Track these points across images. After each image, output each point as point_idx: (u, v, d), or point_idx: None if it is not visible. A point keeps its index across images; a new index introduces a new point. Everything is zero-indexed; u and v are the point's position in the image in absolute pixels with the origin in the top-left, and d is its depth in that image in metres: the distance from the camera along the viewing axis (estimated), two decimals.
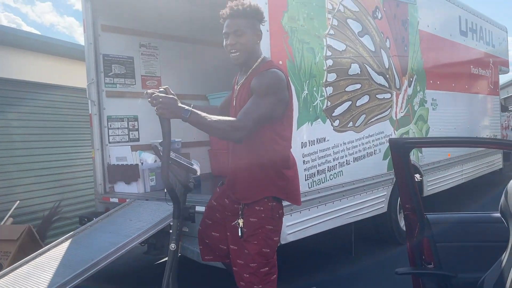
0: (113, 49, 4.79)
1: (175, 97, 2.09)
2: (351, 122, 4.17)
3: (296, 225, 3.47)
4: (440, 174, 5.82)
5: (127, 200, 4.18)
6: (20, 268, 3.26)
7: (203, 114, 2.07)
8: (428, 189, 5.47)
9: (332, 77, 3.92)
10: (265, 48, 3.15)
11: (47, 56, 5.86)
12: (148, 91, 2.12)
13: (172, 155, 2.21)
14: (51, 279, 2.87)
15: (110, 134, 4.69)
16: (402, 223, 5.09)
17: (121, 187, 4.52)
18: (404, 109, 5.10)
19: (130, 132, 4.91)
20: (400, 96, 5.03)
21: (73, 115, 6.12)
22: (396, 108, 4.94)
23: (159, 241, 3.70)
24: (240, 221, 2.26)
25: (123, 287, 4.47)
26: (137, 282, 4.60)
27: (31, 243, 3.94)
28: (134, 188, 4.41)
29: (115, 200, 4.33)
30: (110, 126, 4.71)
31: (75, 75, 5.90)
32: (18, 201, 4.70)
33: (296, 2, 3.59)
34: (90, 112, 4.60)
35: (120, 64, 4.88)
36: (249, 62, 2.34)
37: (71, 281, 2.77)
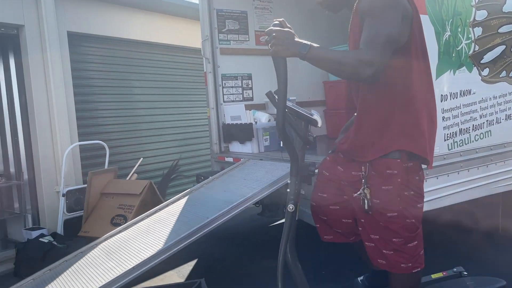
0: (226, 4, 4.60)
1: (292, 31, 1.76)
2: (505, 71, 3.38)
3: (432, 193, 2.94)
4: None
5: (241, 159, 4.05)
6: (141, 222, 3.34)
7: (325, 48, 1.71)
8: None
9: (481, 15, 3.18)
10: None
11: (164, 16, 5.90)
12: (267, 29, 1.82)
13: (289, 104, 1.89)
14: (168, 235, 2.85)
15: (224, 93, 4.58)
16: None
17: (236, 146, 4.42)
18: None
19: (244, 91, 4.76)
20: None
21: (190, 75, 6.22)
22: None
23: (273, 202, 3.50)
24: (367, 191, 1.85)
25: (238, 247, 4.45)
26: (251, 243, 4.53)
27: (152, 198, 4.06)
28: (249, 147, 4.26)
29: (230, 159, 4.24)
30: (225, 84, 4.59)
31: (191, 35, 5.87)
32: (142, 158, 4.92)
33: None
34: (205, 70, 4.52)
35: (234, 20, 4.68)
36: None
37: (187, 238, 2.71)
